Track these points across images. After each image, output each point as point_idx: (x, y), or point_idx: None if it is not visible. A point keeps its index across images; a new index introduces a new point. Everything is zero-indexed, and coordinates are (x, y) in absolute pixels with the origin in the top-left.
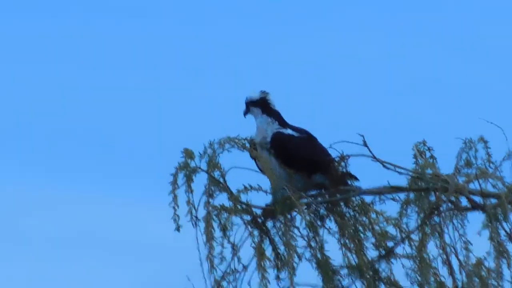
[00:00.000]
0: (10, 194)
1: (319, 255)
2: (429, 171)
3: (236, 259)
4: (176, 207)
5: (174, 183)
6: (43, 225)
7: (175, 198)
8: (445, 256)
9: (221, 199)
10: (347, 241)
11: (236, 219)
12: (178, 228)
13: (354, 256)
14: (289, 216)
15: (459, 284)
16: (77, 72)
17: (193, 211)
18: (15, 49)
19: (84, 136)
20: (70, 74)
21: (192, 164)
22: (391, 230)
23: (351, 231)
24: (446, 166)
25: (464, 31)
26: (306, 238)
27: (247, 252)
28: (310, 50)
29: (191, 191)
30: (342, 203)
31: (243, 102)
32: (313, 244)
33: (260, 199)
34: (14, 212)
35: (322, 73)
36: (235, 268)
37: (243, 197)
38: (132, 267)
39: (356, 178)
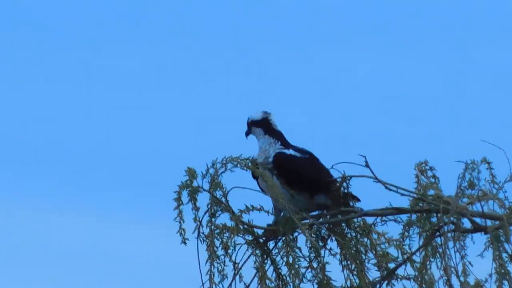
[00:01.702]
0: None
1: (320, 276)
2: (431, 192)
3: (237, 278)
4: (181, 222)
5: (178, 199)
6: (38, 239)
7: (180, 213)
8: (446, 278)
9: (224, 218)
10: (348, 262)
11: (238, 239)
12: (184, 241)
13: (355, 277)
14: (291, 237)
15: None
16: (76, 84)
17: (200, 228)
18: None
19: (79, 149)
20: (67, 85)
21: (195, 184)
22: (393, 251)
23: (353, 252)
24: (448, 187)
25: (470, 49)
26: (307, 259)
27: (248, 272)
28: (311, 69)
29: (197, 209)
30: (343, 224)
31: (246, 122)
32: (314, 264)
33: (262, 219)
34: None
35: (323, 93)
36: None
37: (245, 217)
38: (131, 285)
39: (357, 199)
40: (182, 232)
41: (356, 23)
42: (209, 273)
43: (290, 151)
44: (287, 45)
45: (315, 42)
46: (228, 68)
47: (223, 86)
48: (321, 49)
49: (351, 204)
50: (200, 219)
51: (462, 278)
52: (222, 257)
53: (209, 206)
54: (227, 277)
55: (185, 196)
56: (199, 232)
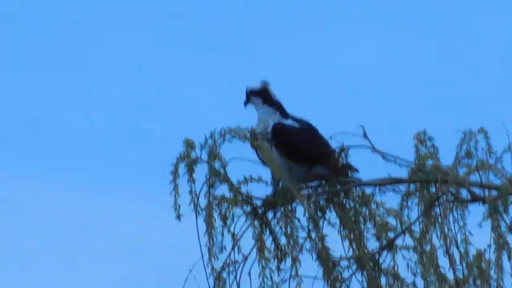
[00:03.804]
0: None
1: (319, 246)
2: (429, 162)
3: (236, 249)
4: (177, 196)
5: (175, 172)
6: (39, 217)
7: (176, 187)
8: (445, 248)
9: (222, 189)
10: (347, 232)
11: (236, 210)
12: (178, 217)
13: (354, 247)
14: (289, 208)
15: (460, 275)
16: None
17: (196, 201)
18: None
19: (80, 127)
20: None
21: (193, 155)
22: (392, 221)
23: (351, 222)
24: (447, 157)
25: (465, 21)
26: (306, 229)
27: (247, 243)
28: (309, 39)
29: (193, 181)
30: (342, 195)
31: (244, 91)
32: (313, 235)
33: (261, 190)
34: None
35: (322, 63)
36: (235, 259)
37: (244, 188)
38: (130, 259)
39: (356, 170)
40: (177, 207)
41: None
42: (207, 244)
43: (289, 122)
44: (286, 15)
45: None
46: (227, 37)
47: (222, 54)
48: (317, 18)
49: (349, 174)
50: (198, 192)
51: (461, 248)
52: (220, 228)
53: (207, 177)
54: (225, 248)
55: (182, 169)
56: (195, 204)
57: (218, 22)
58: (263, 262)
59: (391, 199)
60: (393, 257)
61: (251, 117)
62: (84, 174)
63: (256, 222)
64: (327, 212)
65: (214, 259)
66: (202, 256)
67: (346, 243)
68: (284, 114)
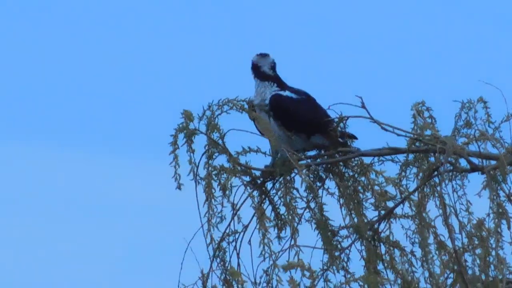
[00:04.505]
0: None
1: (318, 216)
2: (428, 132)
3: (236, 218)
4: (177, 167)
5: (174, 143)
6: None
7: (176, 157)
8: (444, 217)
9: (221, 160)
10: (346, 201)
11: (235, 181)
12: (179, 187)
13: (354, 216)
14: (288, 178)
15: (459, 244)
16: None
17: (195, 170)
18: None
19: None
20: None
21: (191, 126)
22: (391, 190)
23: (350, 191)
24: (445, 127)
25: None
26: (305, 199)
27: (246, 214)
28: (307, 8)
29: (192, 151)
30: (341, 164)
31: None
32: (312, 205)
33: (259, 161)
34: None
35: (319, 33)
36: (235, 229)
37: (242, 159)
38: (129, 228)
39: (355, 137)
40: (178, 177)
41: None
42: (207, 214)
43: (286, 93)
44: None
45: None
46: (228, 10)
47: (220, 28)
48: None
49: (348, 143)
50: (197, 162)
51: (460, 218)
52: (219, 198)
53: (206, 148)
54: (225, 218)
55: (181, 139)
56: (195, 174)
57: None
58: (263, 231)
59: (389, 169)
60: (389, 226)
61: (249, 87)
62: (83, 142)
63: (255, 192)
64: (326, 181)
65: (214, 229)
66: (202, 226)
67: (345, 212)
68: (282, 85)
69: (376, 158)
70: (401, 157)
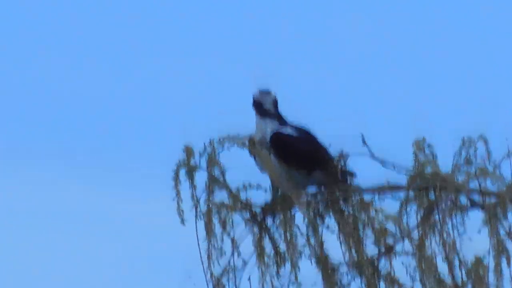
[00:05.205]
0: None
1: (318, 253)
2: (428, 169)
3: (236, 254)
4: (180, 202)
5: (176, 178)
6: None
7: (178, 193)
8: (444, 254)
9: (221, 195)
10: (345, 237)
11: (236, 216)
12: (183, 221)
13: (354, 253)
14: (288, 214)
15: (459, 281)
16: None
17: (197, 206)
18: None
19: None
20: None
21: (192, 162)
22: (391, 227)
23: (350, 229)
24: (445, 163)
25: (468, 21)
26: (305, 236)
27: (246, 250)
28: (307, 43)
29: (195, 188)
30: (341, 201)
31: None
32: (312, 241)
33: (260, 197)
34: None
35: (320, 68)
36: (234, 265)
37: (243, 195)
38: (126, 262)
39: (354, 175)
40: (181, 212)
41: None
42: (207, 251)
43: (287, 130)
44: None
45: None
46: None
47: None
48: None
49: (348, 181)
50: (198, 198)
51: (460, 255)
52: (220, 234)
53: (207, 184)
54: (225, 253)
55: (182, 174)
56: (196, 210)
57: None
58: (263, 267)
59: (390, 206)
60: (390, 263)
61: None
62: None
63: (255, 228)
64: (326, 218)
65: (214, 265)
66: (202, 262)
67: (345, 249)
68: (283, 122)
69: (376, 195)
70: (402, 194)
